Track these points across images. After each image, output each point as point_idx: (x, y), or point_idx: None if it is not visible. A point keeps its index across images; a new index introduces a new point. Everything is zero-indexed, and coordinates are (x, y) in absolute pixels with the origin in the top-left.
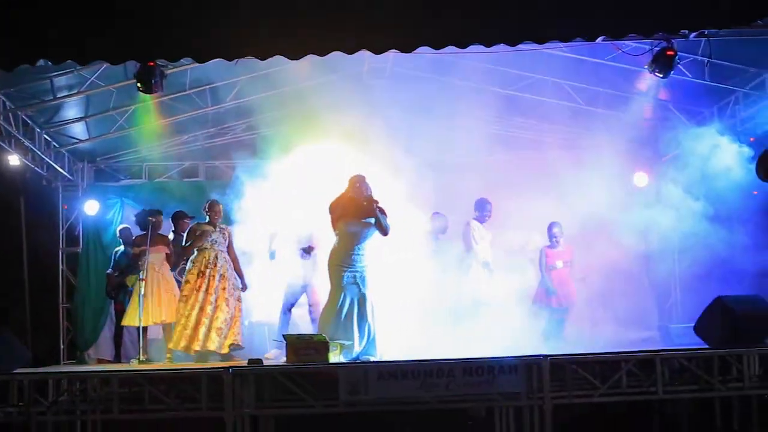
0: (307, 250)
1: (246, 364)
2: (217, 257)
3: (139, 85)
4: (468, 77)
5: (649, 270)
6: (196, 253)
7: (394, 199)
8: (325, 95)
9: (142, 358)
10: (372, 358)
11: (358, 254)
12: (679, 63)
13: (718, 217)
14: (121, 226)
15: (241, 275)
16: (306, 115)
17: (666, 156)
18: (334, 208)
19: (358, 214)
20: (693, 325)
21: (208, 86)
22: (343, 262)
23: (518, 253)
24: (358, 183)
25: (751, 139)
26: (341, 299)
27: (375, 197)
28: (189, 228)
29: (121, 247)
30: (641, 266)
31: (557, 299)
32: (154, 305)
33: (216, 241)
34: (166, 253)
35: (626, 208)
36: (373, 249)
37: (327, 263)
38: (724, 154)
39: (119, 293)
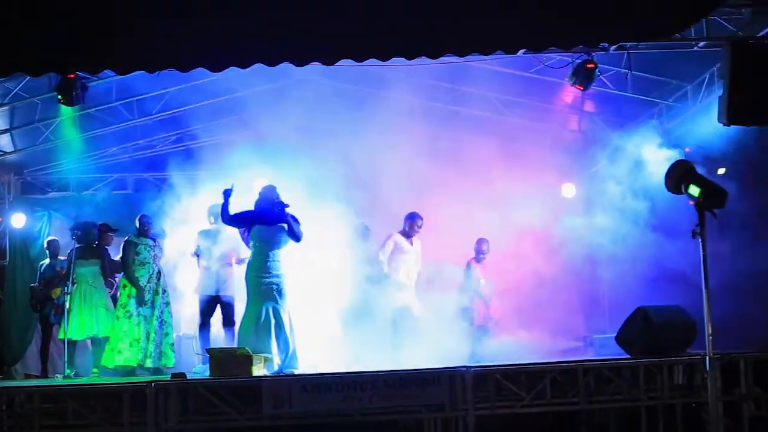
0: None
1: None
2: (159, 272)
3: (59, 97)
4: (397, 90)
5: (577, 280)
6: (134, 268)
7: (320, 210)
8: (253, 106)
9: (69, 372)
10: (295, 371)
11: (273, 261)
12: (600, 75)
13: (645, 225)
14: (49, 238)
15: None
16: (235, 126)
17: (593, 167)
18: (245, 218)
19: (268, 221)
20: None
21: (135, 98)
22: (259, 271)
23: (445, 265)
24: (268, 191)
25: (687, 149)
26: (258, 311)
27: (286, 204)
28: (125, 242)
29: (47, 260)
30: (569, 276)
31: (478, 315)
32: (84, 319)
33: (156, 256)
34: (99, 266)
35: (554, 219)
36: (288, 258)
37: (244, 274)
38: (649, 165)
39: (44, 306)
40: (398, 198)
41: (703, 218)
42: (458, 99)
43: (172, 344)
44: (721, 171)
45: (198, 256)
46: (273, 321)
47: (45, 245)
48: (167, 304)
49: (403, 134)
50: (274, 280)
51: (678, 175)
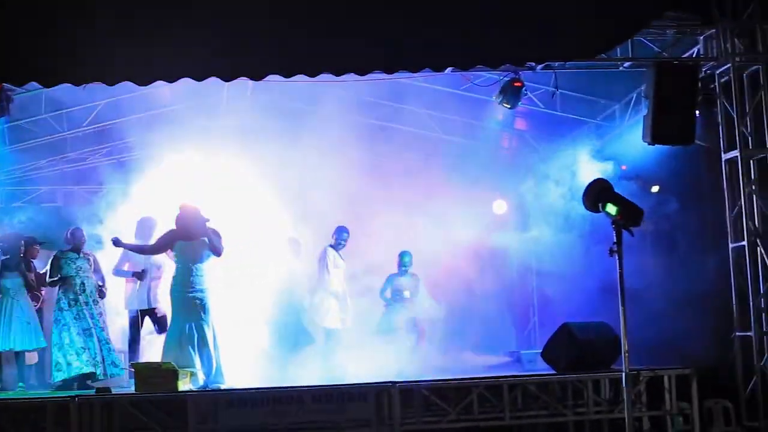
0: (139, 276)
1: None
2: (84, 284)
3: None
4: (329, 106)
5: (507, 295)
6: (61, 281)
7: (250, 222)
8: (185, 121)
9: (20, 384)
10: (221, 386)
11: (196, 276)
12: (529, 94)
13: (575, 241)
14: None
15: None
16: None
17: (524, 183)
18: (165, 234)
19: (189, 236)
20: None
21: (65, 110)
22: (183, 286)
23: (370, 279)
24: (187, 208)
25: (623, 167)
26: (182, 326)
27: (207, 219)
28: (53, 256)
29: None
30: (500, 291)
31: (404, 329)
32: (5, 332)
33: (81, 268)
34: (25, 278)
35: (486, 234)
36: (212, 273)
37: (169, 288)
38: (579, 182)
39: None
40: (331, 212)
41: (620, 236)
42: (392, 115)
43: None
44: (655, 189)
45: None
46: (196, 336)
47: None
48: (100, 314)
49: (337, 150)
50: (198, 294)
51: (595, 194)
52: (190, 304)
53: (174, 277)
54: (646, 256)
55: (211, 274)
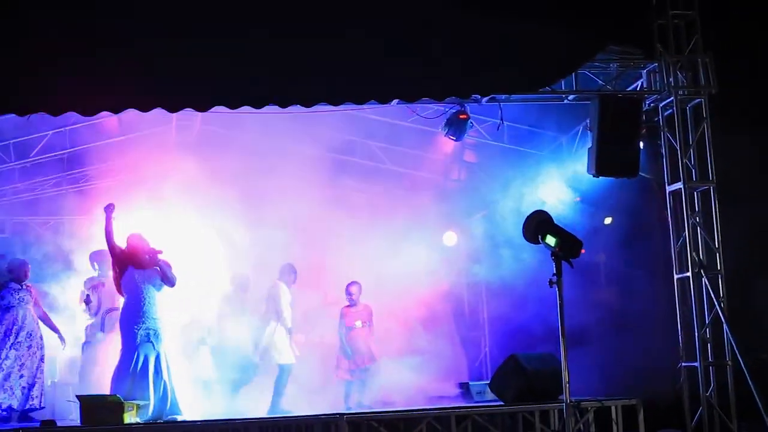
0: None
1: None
2: (25, 315)
3: None
4: (272, 136)
5: (458, 326)
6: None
7: (195, 255)
8: (132, 151)
9: None
10: (179, 418)
11: (149, 306)
12: (473, 126)
13: (528, 273)
14: None
15: (56, 330)
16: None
17: (474, 215)
18: (119, 254)
19: (141, 265)
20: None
21: (11, 141)
22: (134, 317)
23: (321, 312)
24: (136, 239)
25: (577, 198)
26: (135, 357)
27: (159, 251)
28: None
29: None
30: (451, 322)
31: (357, 360)
32: None
33: (23, 299)
34: None
35: (436, 266)
36: (164, 303)
37: (118, 321)
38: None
39: None
40: (279, 245)
41: (560, 268)
42: (341, 147)
43: (24, 387)
44: (608, 220)
45: (87, 303)
46: (151, 367)
47: None
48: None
49: (285, 181)
50: (150, 324)
51: (535, 225)
52: (142, 334)
53: (124, 307)
54: (596, 286)
55: (163, 303)
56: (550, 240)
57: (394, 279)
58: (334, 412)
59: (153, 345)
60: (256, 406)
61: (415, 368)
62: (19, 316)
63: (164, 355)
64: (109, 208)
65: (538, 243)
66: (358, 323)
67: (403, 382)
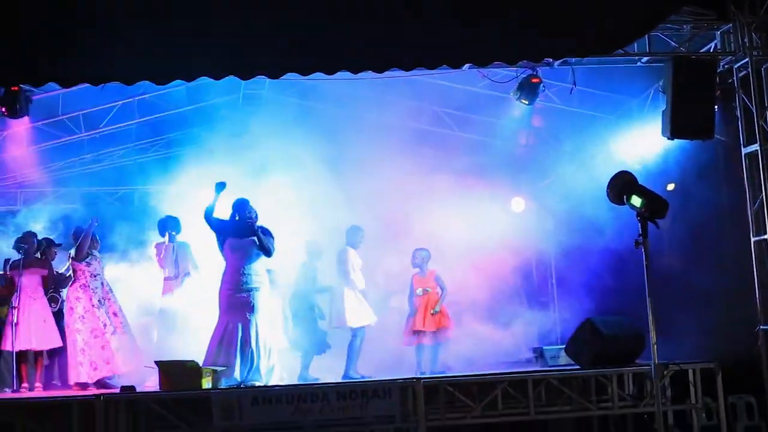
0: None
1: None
2: (103, 285)
3: (3, 110)
4: (345, 104)
5: (528, 292)
6: (83, 278)
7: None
8: (202, 121)
9: (37, 384)
10: (257, 383)
11: (245, 275)
12: (545, 90)
13: (596, 238)
14: None
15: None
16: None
17: (542, 181)
18: (219, 226)
19: (238, 234)
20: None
21: (80, 112)
22: (230, 284)
23: (396, 278)
24: (240, 205)
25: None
26: (225, 324)
27: (257, 219)
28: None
29: None
30: (521, 288)
31: (427, 325)
32: (26, 331)
33: (103, 268)
34: (42, 276)
35: (505, 232)
36: (263, 271)
37: (219, 287)
38: (597, 177)
39: None
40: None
41: (646, 228)
42: (410, 114)
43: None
44: (670, 186)
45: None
46: (240, 334)
47: None
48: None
49: (353, 148)
50: (245, 294)
51: (620, 186)
52: (237, 303)
53: (223, 276)
54: (669, 250)
55: (262, 272)
56: (636, 201)
57: (462, 245)
58: (410, 376)
59: (246, 314)
60: (331, 372)
61: (485, 333)
62: (103, 283)
63: (255, 324)
64: (219, 186)
65: (623, 204)
66: (420, 291)
67: (473, 347)
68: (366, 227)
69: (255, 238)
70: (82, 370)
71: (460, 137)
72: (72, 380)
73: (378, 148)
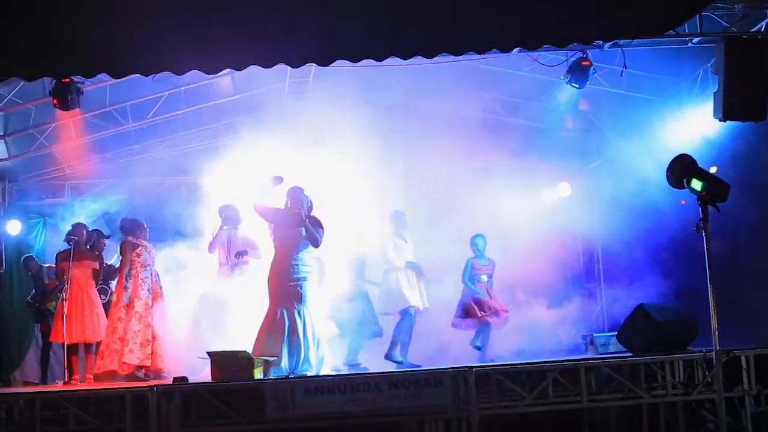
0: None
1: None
2: (155, 274)
3: (55, 102)
4: (390, 91)
5: (575, 278)
6: (134, 268)
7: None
8: (248, 110)
9: (89, 376)
10: (309, 373)
11: (295, 264)
12: (595, 73)
13: (643, 223)
14: (24, 257)
15: None
16: (230, 129)
17: (589, 165)
18: (270, 215)
19: (288, 224)
20: (615, 333)
21: (128, 103)
22: (280, 273)
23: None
24: (294, 193)
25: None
26: (275, 313)
27: (311, 208)
28: (122, 242)
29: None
30: (568, 275)
31: (484, 311)
32: (77, 323)
33: (149, 258)
34: (93, 269)
35: (551, 217)
36: (312, 261)
37: (267, 276)
38: (645, 162)
39: (43, 317)
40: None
41: (707, 212)
42: (453, 99)
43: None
44: (713, 169)
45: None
46: (287, 323)
47: (22, 265)
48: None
49: (400, 134)
50: (294, 283)
51: (680, 170)
52: (286, 292)
53: (272, 264)
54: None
55: (312, 262)
56: (696, 184)
57: (508, 232)
58: (462, 365)
59: (294, 303)
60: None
61: (532, 321)
62: (154, 274)
63: (304, 313)
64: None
65: (683, 187)
66: (485, 277)
67: (521, 335)
68: (413, 213)
69: (304, 228)
70: (115, 357)
71: (506, 122)
72: (101, 368)
73: (425, 134)
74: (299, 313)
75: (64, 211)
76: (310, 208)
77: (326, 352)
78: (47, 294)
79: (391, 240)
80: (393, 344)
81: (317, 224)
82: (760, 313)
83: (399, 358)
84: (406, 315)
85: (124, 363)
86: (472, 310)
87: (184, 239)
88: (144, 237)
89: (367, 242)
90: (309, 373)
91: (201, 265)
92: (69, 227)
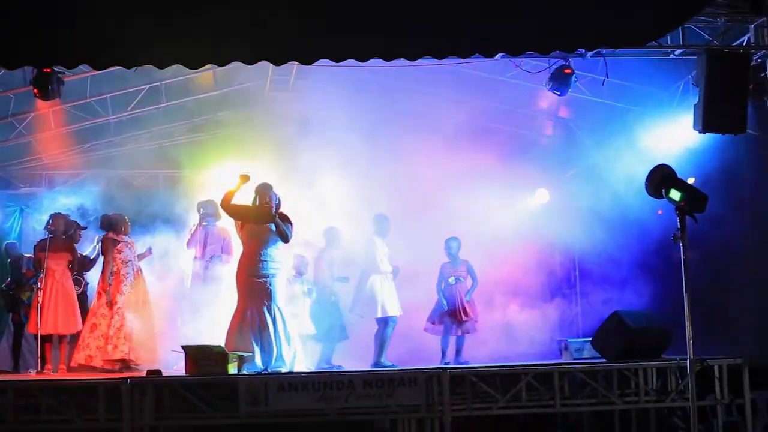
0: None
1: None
2: (137, 269)
3: (35, 91)
4: (370, 91)
5: (551, 284)
6: (115, 265)
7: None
8: (227, 106)
9: (61, 366)
10: (283, 370)
11: (264, 261)
12: (577, 81)
13: (619, 231)
14: (6, 242)
15: None
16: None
17: (567, 172)
18: (238, 212)
19: (256, 219)
20: (590, 339)
21: (108, 95)
22: (249, 269)
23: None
24: (262, 189)
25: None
26: (245, 309)
27: (278, 204)
28: (103, 239)
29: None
30: (544, 280)
31: (453, 315)
32: (51, 314)
33: (134, 253)
34: (68, 260)
35: (529, 223)
36: (281, 257)
37: (235, 272)
38: (623, 170)
39: (15, 305)
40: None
41: (684, 223)
42: (432, 103)
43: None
44: (691, 180)
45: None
46: (258, 320)
47: (3, 250)
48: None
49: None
50: (263, 279)
51: (659, 179)
52: (256, 289)
53: (240, 261)
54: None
55: (281, 258)
56: (675, 194)
57: (485, 236)
58: (435, 366)
59: (264, 300)
60: (355, 359)
61: (508, 325)
62: (135, 269)
63: (276, 310)
64: (244, 178)
65: (661, 197)
66: (452, 279)
67: (496, 338)
68: (390, 214)
69: (273, 225)
70: (97, 354)
71: (486, 127)
72: (78, 361)
73: (403, 137)
74: (269, 310)
75: (41, 200)
76: (279, 204)
77: (298, 347)
78: (23, 283)
79: (375, 243)
80: (381, 351)
81: (286, 220)
82: (739, 323)
83: (389, 364)
84: (390, 323)
85: (108, 360)
86: (437, 318)
87: (160, 233)
88: (125, 232)
89: (338, 242)
90: (283, 370)
91: (178, 259)
92: (46, 217)
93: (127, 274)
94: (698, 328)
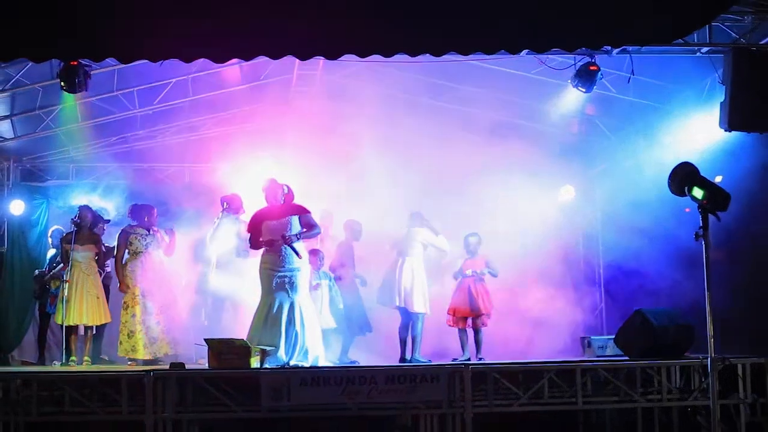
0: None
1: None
2: (153, 261)
3: (62, 84)
4: (397, 87)
5: (575, 281)
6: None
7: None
8: (254, 101)
9: (85, 358)
10: (304, 365)
11: (286, 255)
12: (602, 78)
13: (645, 229)
14: (53, 228)
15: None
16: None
17: (592, 170)
18: (254, 216)
19: (273, 216)
20: (613, 336)
21: (135, 88)
22: (272, 264)
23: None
24: (269, 186)
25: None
26: (269, 304)
27: (292, 195)
28: (121, 232)
29: (53, 250)
30: (567, 277)
31: (467, 309)
32: (76, 307)
33: (149, 245)
34: (96, 253)
35: (553, 219)
36: (302, 250)
37: (258, 266)
38: (649, 168)
39: (44, 294)
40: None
41: (707, 221)
42: (459, 98)
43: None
44: (719, 178)
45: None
46: (284, 315)
47: (49, 235)
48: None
49: (403, 132)
50: (287, 273)
51: (681, 177)
52: (279, 283)
53: (263, 256)
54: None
55: (301, 253)
56: (698, 192)
57: (510, 232)
58: (458, 361)
59: (288, 293)
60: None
61: (530, 322)
62: (147, 261)
63: (299, 305)
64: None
65: (684, 195)
66: (469, 272)
67: (519, 334)
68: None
69: (292, 217)
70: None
71: (511, 123)
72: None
73: (428, 132)
74: (292, 305)
75: (68, 193)
76: (290, 193)
77: (320, 342)
78: (54, 273)
79: (416, 234)
80: (417, 346)
81: (305, 211)
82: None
83: (424, 360)
84: (421, 317)
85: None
86: (457, 312)
87: (185, 227)
88: (146, 224)
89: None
90: (305, 365)
91: (202, 252)
92: (73, 209)
93: (135, 268)
94: (727, 328)
